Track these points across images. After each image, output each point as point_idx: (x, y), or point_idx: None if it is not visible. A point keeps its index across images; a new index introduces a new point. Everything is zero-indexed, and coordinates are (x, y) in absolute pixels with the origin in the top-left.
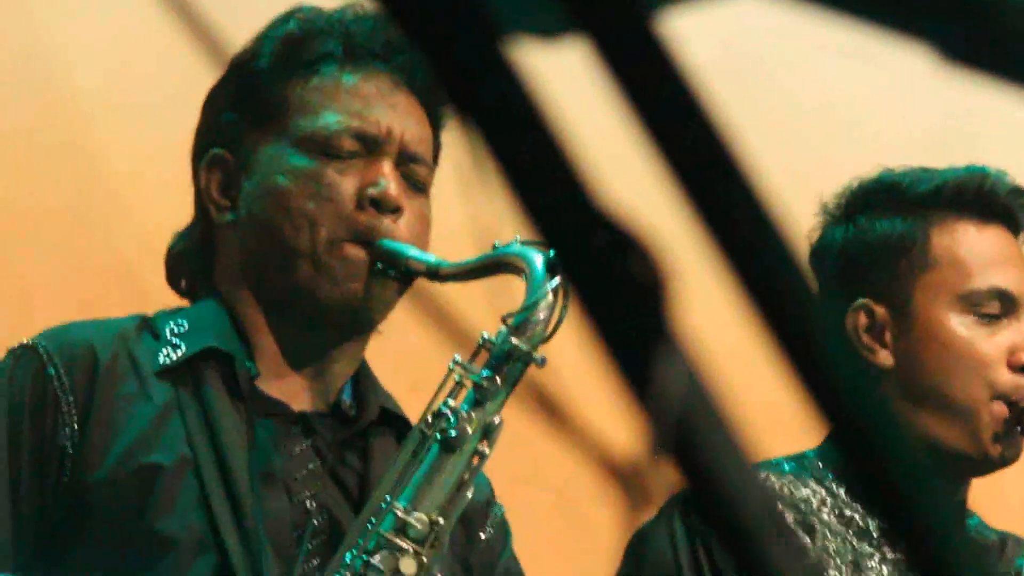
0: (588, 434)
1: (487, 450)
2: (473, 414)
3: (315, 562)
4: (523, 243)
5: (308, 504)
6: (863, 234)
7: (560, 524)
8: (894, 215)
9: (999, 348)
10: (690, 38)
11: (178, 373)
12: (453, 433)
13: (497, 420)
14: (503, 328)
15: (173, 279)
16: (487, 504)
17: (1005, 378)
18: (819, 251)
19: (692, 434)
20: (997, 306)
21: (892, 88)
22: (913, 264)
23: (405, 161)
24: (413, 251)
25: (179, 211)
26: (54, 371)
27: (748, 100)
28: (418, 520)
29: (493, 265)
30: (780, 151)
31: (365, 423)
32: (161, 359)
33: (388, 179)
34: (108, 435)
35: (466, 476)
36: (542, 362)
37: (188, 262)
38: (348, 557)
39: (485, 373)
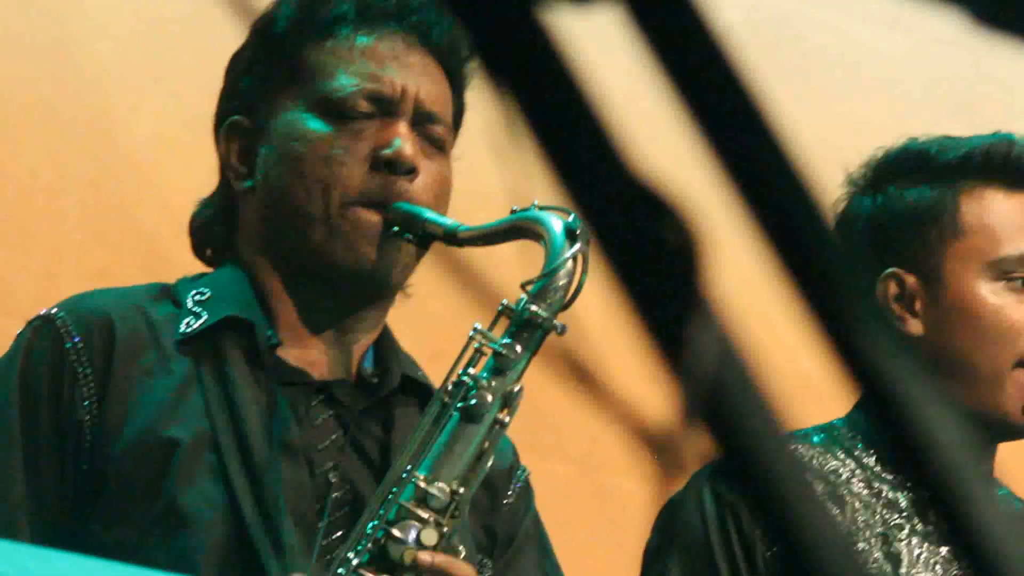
0: (617, 401)
1: (507, 418)
2: (493, 382)
3: (339, 534)
4: (542, 208)
5: (330, 476)
6: (892, 203)
7: (585, 494)
8: (922, 183)
9: None
10: (720, 1)
11: (199, 342)
12: (473, 402)
13: (517, 388)
14: (523, 295)
15: (198, 248)
16: (511, 469)
17: None
18: (846, 221)
19: (724, 400)
20: None
21: (921, 51)
22: (943, 232)
23: (422, 121)
24: (430, 214)
25: (198, 179)
26: (71, 344)
27: (776, 63)
28: (439, 490)
29: (511, 230)
30: (809, 114)
31: (387, 391)
32: (182, 328)
33: (403, 139)
34: (127, 408)
35: (486, 445)
36: (562, 329)
37: (211, 231)
38: (369, 527)
39: (505, 341)
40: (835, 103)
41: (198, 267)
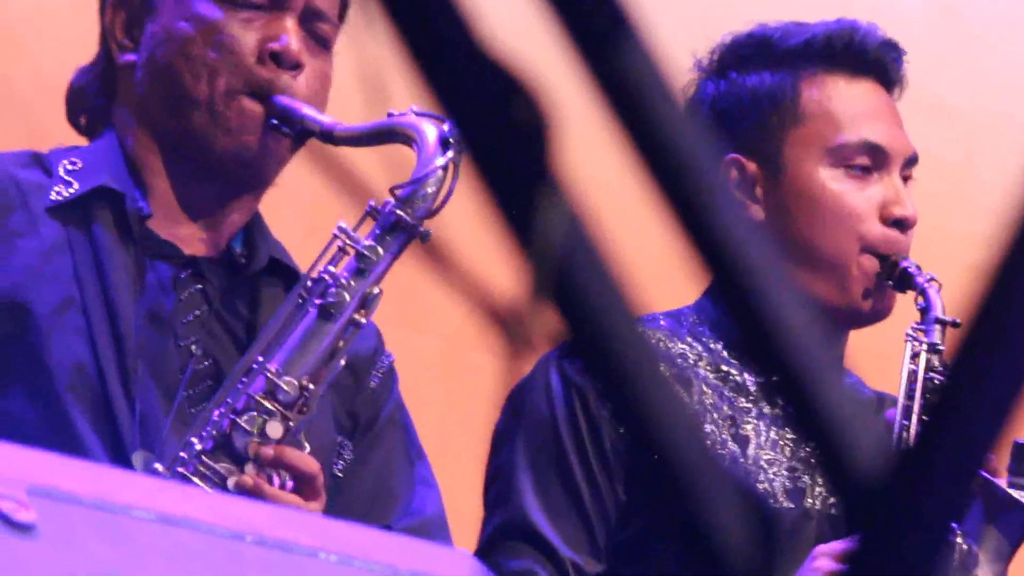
0: (472, 279)
1: (364, 320)
2: (352, 282)
3: (200, 405)
4: (418, 114)
5: (193, 348)
6: (734, 88)
7: (449, 370)
8: (764, 69)
9: (870, 202)
10: None
11: (69, 211)
12: (331, 300)
13: (376, 290)
14: (389, 199)
15: (72, 115)
16: (375, 352)
17: (876, 232)
18: (692, 106)
19: (572, 280)
20: (867, 160)
21: None
22: (783, 118)
23: (310, 18)
24: (308, 110)
25: (76, 50)
26: None
27: None
28: (288, 384)
29: (387, 133)
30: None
31: (254, 270)
32: (52, 195)
33: (290, 34)
34: None
35: (340, 344)
36: (427, 236)
37: (88, 99)
38: (216, 415)
39: (368, 242)
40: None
41: (76, 140)
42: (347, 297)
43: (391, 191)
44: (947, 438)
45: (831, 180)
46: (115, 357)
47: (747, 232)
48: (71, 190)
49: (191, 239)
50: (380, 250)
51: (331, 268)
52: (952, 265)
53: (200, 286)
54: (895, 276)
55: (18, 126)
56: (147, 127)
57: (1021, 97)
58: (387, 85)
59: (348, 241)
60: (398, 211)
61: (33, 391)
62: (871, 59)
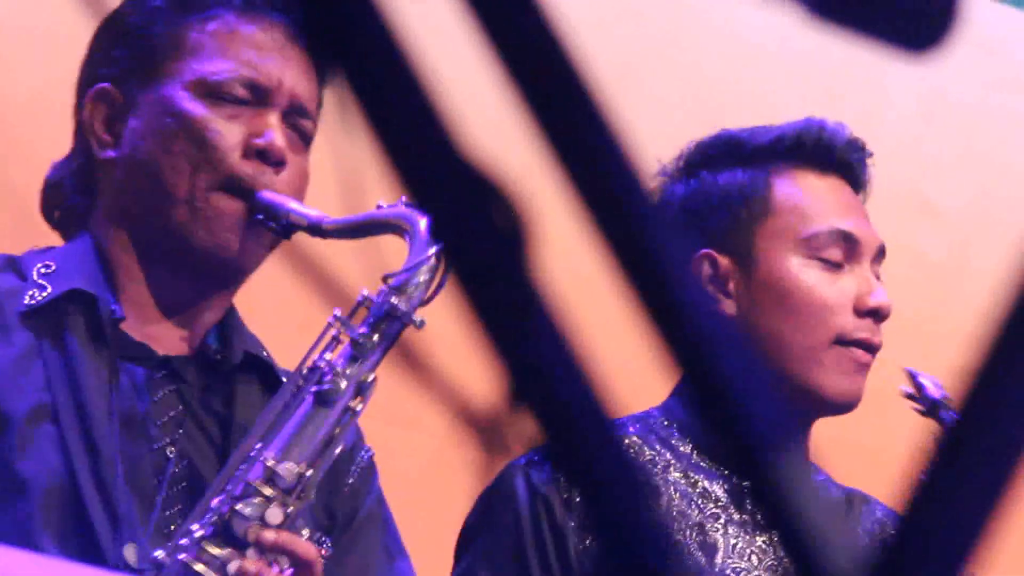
0: (450, 384)
1: (360, 407)
2: (348, 370)
3: (177, 507)
4: (408, 204)
5: (168, 451)
6: (704, 186)
7: (435, 468)
8: (735, 167)
9: (843, 294)
10: None
11: (42, 316)
12: (327, 387)
13: (371, 378)
14: (383, 287)
15: (47, 209)
16: (353, 448)
17: (850, 323)
18: (660, 208)
19: (550, 385)
20: (839, 251)
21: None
22: (754, 212)
23: (293, 114)
24: (294, 204)
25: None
26: None
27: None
28: (287, 471)
29: (378, 224)
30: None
31: (229, 366)
32: (26, 300)
33: (275, 131)
34: None
35: (337, 431)
36: (421, 324)
37: (65, 195)
38: (215, 502)
39: (363, 330)
40: (681, 94)
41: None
42: (343, 385)
43: (384, 279)
44: (927, 543)
45: (804, 271)
46: (90, 466)
47: (718, 330)
48: (44, 294)
49: (165, 338)
50: (375, 338)
51: (327, 356)
52: (940, 365)
53: (175, 386)
54: (927, 410)
55: (13, 217)
56: (125, 225)
57: (1010, 200)
58: (364, 184)
59: (343, 329)
60: (391, 299)
61: (5, 504)
62: (838, 157)
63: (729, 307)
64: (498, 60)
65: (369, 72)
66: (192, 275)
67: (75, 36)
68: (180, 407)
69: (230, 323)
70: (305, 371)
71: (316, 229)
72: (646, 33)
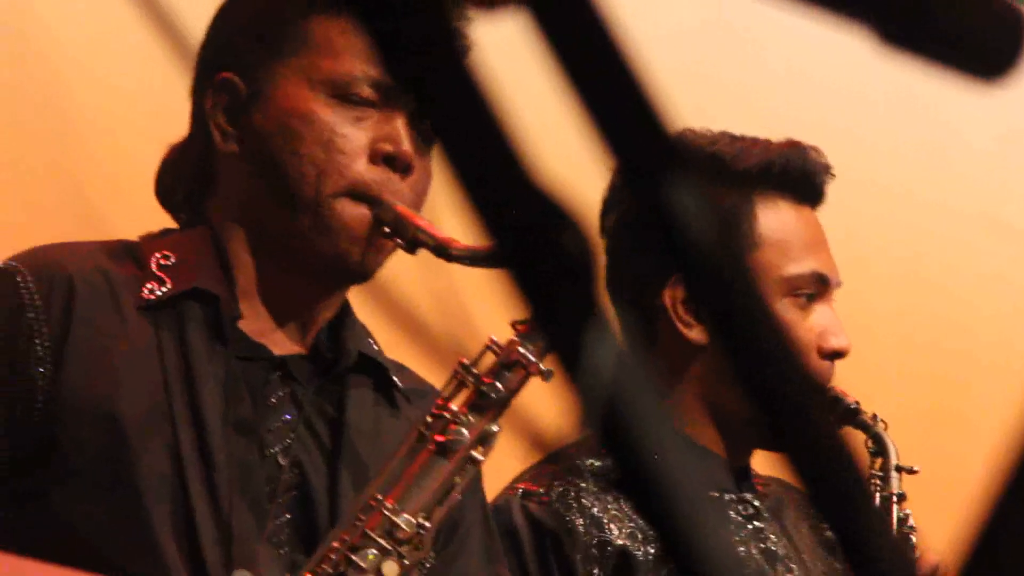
0: (518, 409)
1: (481, 456)
2: (472, 419)
3: (286, 516)
4: None
5: (279, 459)
6: None
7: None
8: (717, 185)
9: (811, 333)
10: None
11: (161, 310)
12: (451, 437)
13: (495, 428)
14: (514, 336)
15: (164, 192)
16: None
17: (814, 366)
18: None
19: (620, 411)
20: (813, 289)
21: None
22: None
23: (419, 116)
24: (422, 221)
25: (149, 162)
26: (30, 301)
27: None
28: (405, 522)
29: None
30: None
31: (342, 368)
32: (145, 293)
33: (403, 136)
34: (83, 372)
35: (456, 480)
36: (548, 375)
37: (184, 180)
38: (332, 551)
39: (488, 380)
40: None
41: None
42: (466, 434)
43: (512, 325)
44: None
45: (781, 310)
46: (201, 474)
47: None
48: (164, 288)
49: (280, 338)
50: (500, 387)
51: (451, 404)
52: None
53: (289, 389)
54: (839, 412)
55: (74, 212)
56: (244, 223)
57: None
58: (433, 208)
59: (469, 377)
60: (520, 348)
61: (118, 504)
62: (815, 185)
63: (699, 334)
64: (570, 85)
65: (440, 96)
66: (311, 278)
67: (140, 44)
68: (295, 411)
69: (344, 321)
70: (429, 419)
71: (442, 251)
72: (719, 65)
